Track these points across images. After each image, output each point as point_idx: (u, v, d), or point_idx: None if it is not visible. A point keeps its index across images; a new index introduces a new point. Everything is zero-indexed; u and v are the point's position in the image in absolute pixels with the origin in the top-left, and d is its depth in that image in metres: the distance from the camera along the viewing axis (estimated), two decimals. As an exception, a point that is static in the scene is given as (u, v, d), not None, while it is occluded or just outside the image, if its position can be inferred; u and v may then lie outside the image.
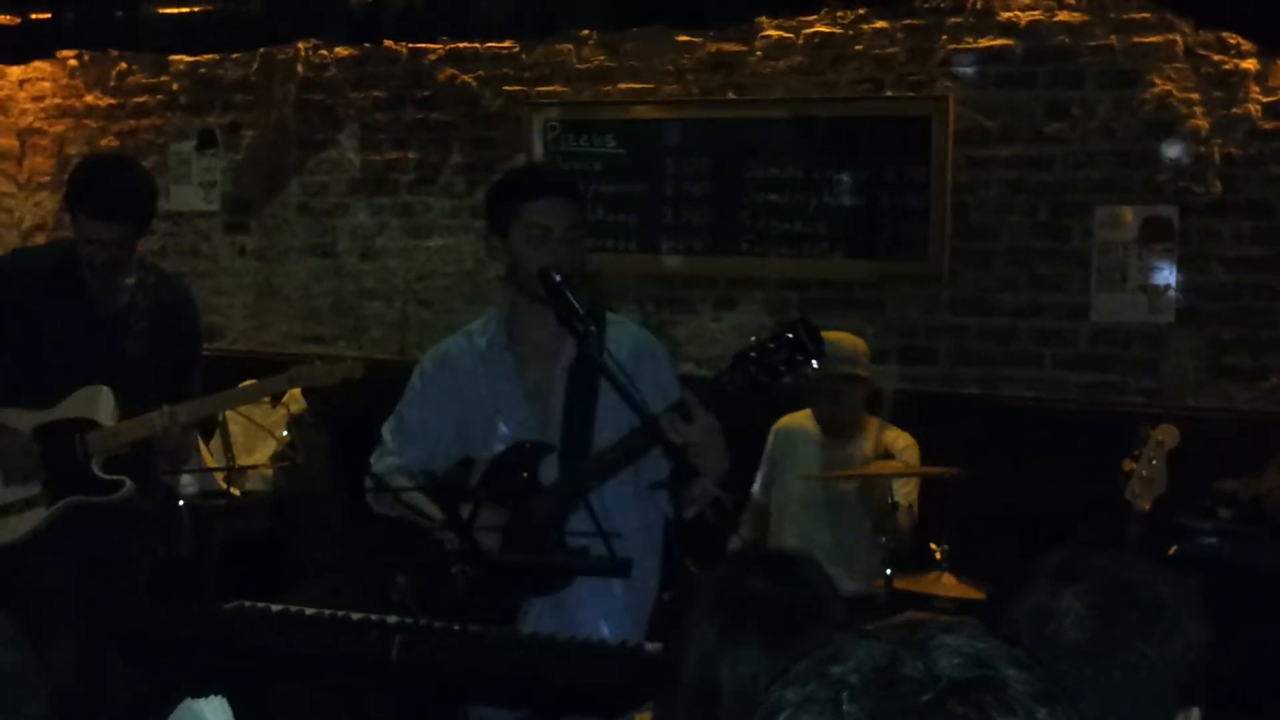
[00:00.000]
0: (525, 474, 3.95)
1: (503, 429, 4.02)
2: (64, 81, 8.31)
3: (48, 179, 8.37)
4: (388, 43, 7.28)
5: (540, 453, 3.97)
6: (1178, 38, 6.12)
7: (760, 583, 2.44)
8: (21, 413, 5.00)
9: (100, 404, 5.02)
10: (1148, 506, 4.25)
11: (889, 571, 5.20)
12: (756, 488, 5.87)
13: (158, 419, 4.96)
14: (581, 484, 3.87)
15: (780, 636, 2.37)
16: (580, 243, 4.03)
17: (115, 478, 5.05)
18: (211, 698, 2.48)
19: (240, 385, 5.28)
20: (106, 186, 4.94)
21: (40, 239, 8.22)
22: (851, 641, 1.31)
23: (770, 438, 5.85)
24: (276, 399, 6.93)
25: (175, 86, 8.07)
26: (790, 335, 3.66)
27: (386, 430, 4.20)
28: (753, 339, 3.74)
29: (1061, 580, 2.09)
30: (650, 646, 3.49)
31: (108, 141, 8.16)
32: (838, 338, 5.47)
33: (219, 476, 6.77)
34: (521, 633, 3.71)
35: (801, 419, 5.82)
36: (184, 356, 5.25)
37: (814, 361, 3.68)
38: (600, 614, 3.96)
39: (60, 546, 5.03)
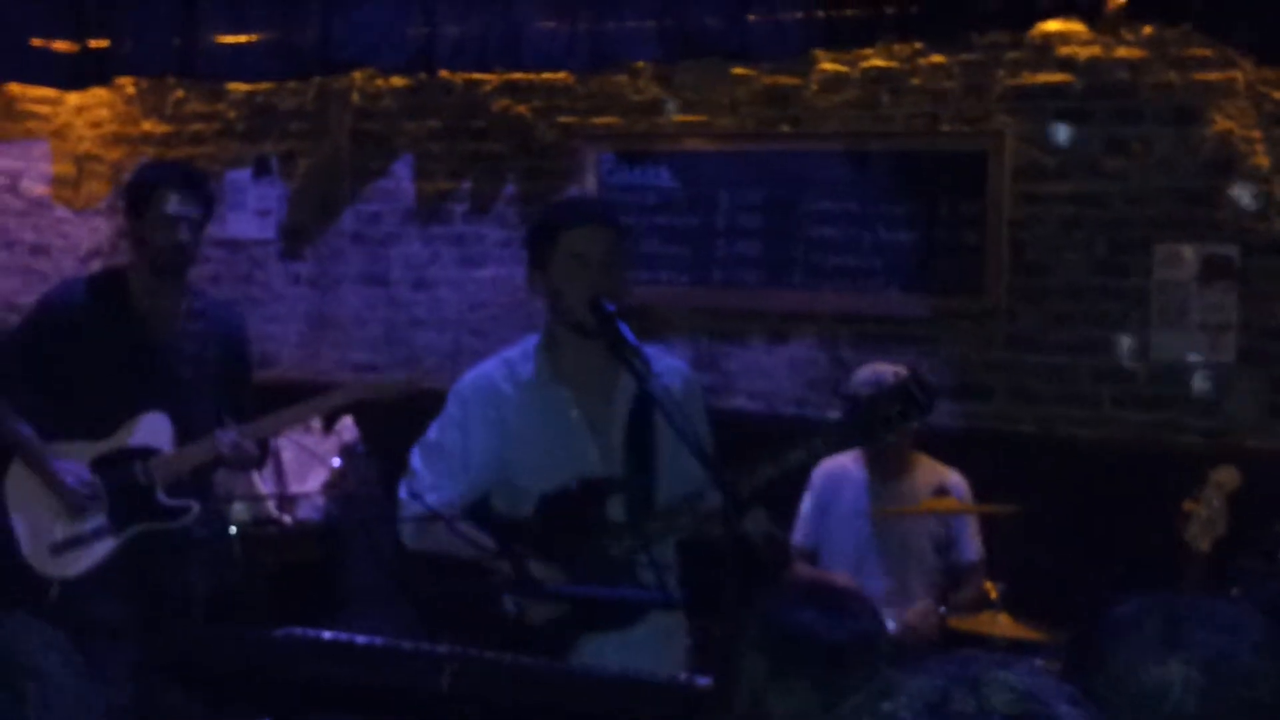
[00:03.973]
0: (594, 510, 3.91)
1: (561, 463, 3.97)
2: (121, 109, 8.36)
3: (104, 205, 8.41)
4: (443, 73, 7.29)
5: (608, 489, 3.94)
6: (1239, 75, 6.07)
7: (809, 616, 2.44)
8: (78, 445, 5.02)
9: (158, 431, 5.06)
10: (1207, 548, 4.20)
11: (943, 610, 5.15)
12: (798, 534, 5.77)
13: (220, 442, 5.00)
14: (658, 530, 3.86)
15: (830, 670, 2.36)
16: (621, 272, 3.98)
17: (182, 503, 5.07)
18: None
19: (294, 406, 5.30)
20: (182, 165, 5.10)
21: (97, 264, 8.26)
22: (904, 677, 1.30)
23: (813, 481, 5.76)
24: (330, 421, 6.96)
25: (231, 115, 8.11)
26: (903, 391, 3.75)
27: (418, 460, 4.07)
28: (864, 391, 3.82)
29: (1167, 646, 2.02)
30: (700, 680, 3.47)
31: (164, 169, 8.20)
32: (894, 371, 5.45)
33: (270, 504, 6.78)
34: (573, 665, 3.69)
35: (844, 461, 5.75)
36: (236, 380, 5.28)
37: (923, 416, 3.77)
38: (659, 648, 3.94)
39: (123, 577, 5.04)
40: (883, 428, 3.75)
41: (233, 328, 5.37)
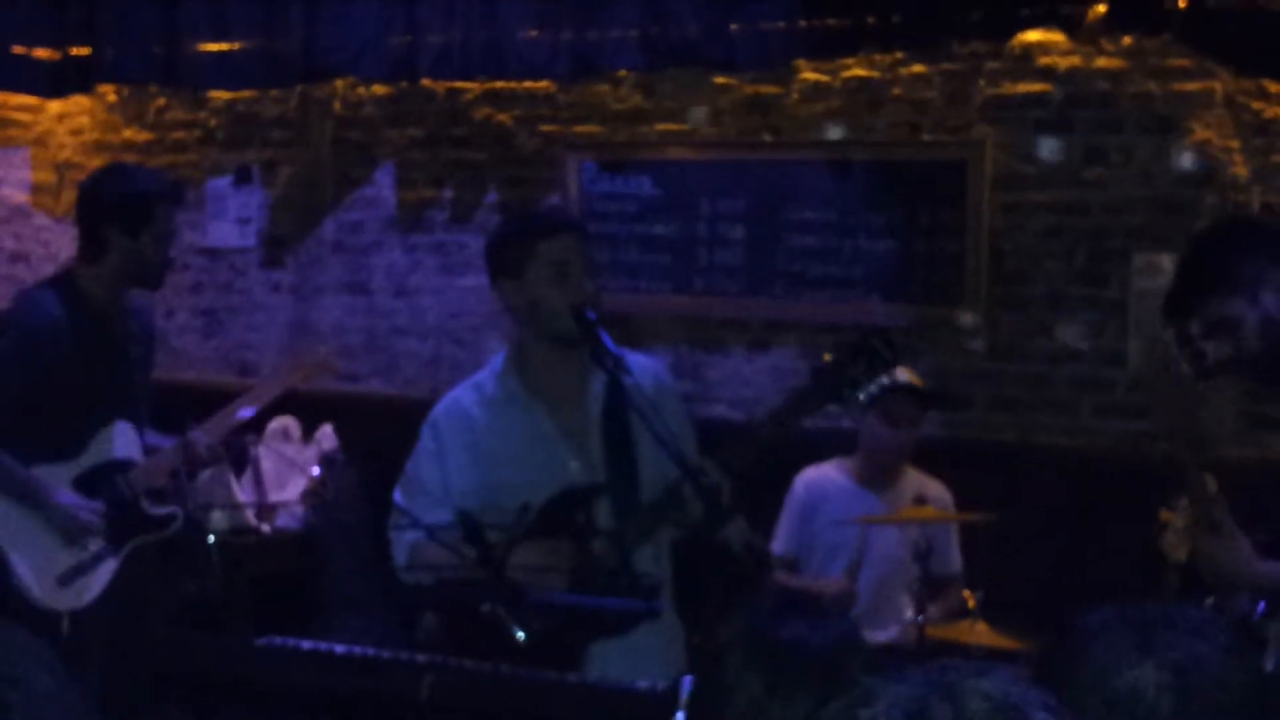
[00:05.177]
0: (582, 518, 3.91)
1: (543, 477, 3.95)
2: (102, 116, 8.36)
3: (85, 213, 8.40)
4: (425, 82, 7.29)
5: (593, 495, 3.93)
6: (1217, 85, 6.09)
7: (798, 628, 2.42)
8: (53, 468, 4.85)
9: (126, 441, 4.98)
10: (1183, 557, 4.20)
11: (921, 619, 5.16)
12: (778, 542, 5.77)
13: (197, 445, 4.97)
14: (642, 531, 3.86)
15: (828, 675, 2.34)
16: (595, 280, 4.00)
17: (168, 511, 5.03)
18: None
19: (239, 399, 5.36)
20: (167, 177, 5.19)
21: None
22: (883, 685, 1.31)
23: (795, 488, 5.76)
24: (310, 430, 6.95)
25: (213, 123, 8.10)
26: (867, 347, 3.69)
27: (400, 497, 4.04)
28: (826, 357, 3.77)
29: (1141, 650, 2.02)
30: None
31: (145, 177, 8.18)
32: (904, 370, 5.50)
33: (249, 513, 6.77)
34: (553, 673, 3.69)
35: (828, 470, 5.75)
36: (150, 377, 5.24)
37: (891, 371, 3.74)
38: (660, 657, 3.93)
39: (125, 595, 4.97)
40: (850, 387, 3.74)
41: (151, 325, 5.30)
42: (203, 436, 5.02)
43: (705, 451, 3.88)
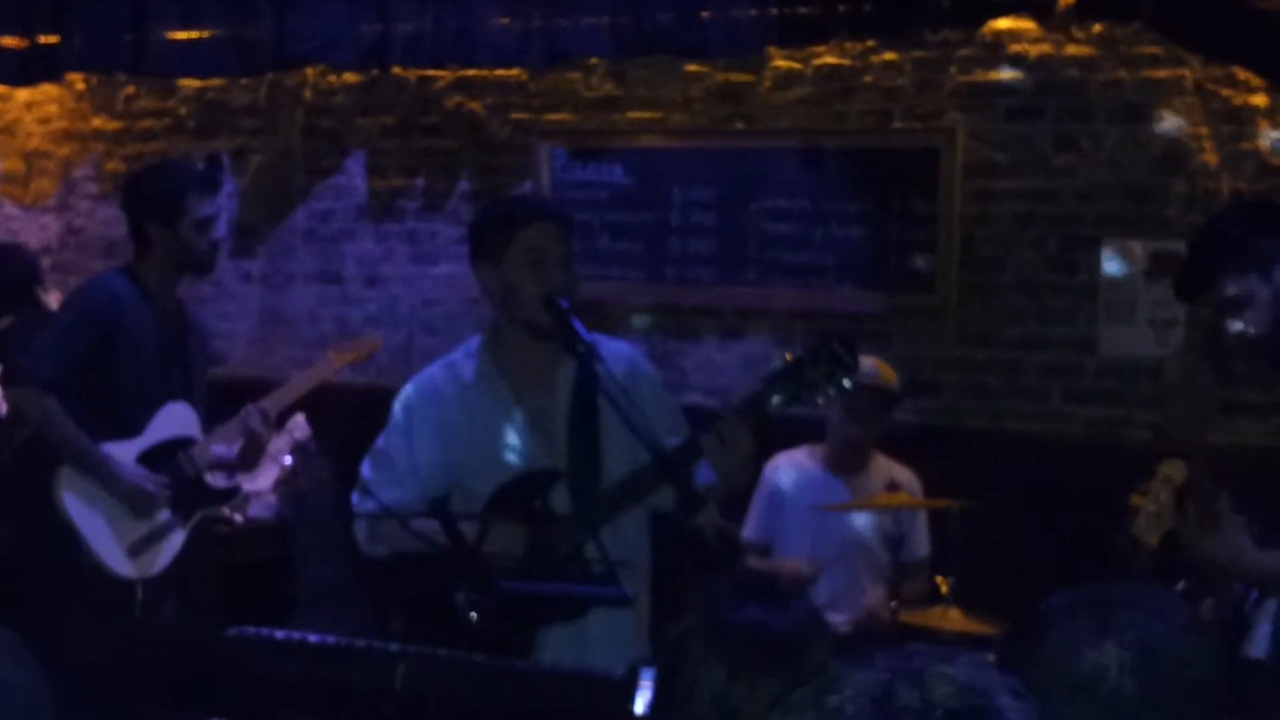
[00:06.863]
0: (538, 502, 3.91)
1: (506, 459, 3.97)
2: (70, 105, 8.32)
3: (53, 202, 8.37)
4: (396, 70, 7.28)
5: (551, 480, 3.93)
6: (1187, 73, 6.11)
7: (757, 612, 2.41)
8: (119, 444, 5.10)
9: (187, 419, 5.24)
10: (1154, 542, 4.22)
11: (894, 605, 5.17)
12: (749, 528, 5.77)
13: (250, 420, 5.26)
14: (598, 515, 3.84)
15: (790, 659, 2.34)
16: (572, 269, 4.00)
17: (230, 484, 5.38)
18: (214, 723, 2.48)
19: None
20: (199, 166, 5.29)
21: (46, 261, 8.22)
22: (848, 671, 1.31)
23: (766, 475, 5.76)
24: (282, 419, 6.94)
25: (182, 111, 8.07)
26: (827, 350, 3.67)
27: (368, 469, 4.07)
28: (787, 356, 3.74)
29: (1101, 632, 2.03)
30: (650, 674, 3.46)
31: (114, 165, 8.16)
32: (876, 363, 5.51)
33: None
34: (525, 662, 3.68)
35: (800, 456, 5.76)
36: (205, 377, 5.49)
37: (851, 376, 3.70)
38: (616, 643, 3.92)
39: (189, 566, 5.31)
40: (807, 390, 3.71)
41: (206, 340, 5.63)
42: (258, 414, 5.29)
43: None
